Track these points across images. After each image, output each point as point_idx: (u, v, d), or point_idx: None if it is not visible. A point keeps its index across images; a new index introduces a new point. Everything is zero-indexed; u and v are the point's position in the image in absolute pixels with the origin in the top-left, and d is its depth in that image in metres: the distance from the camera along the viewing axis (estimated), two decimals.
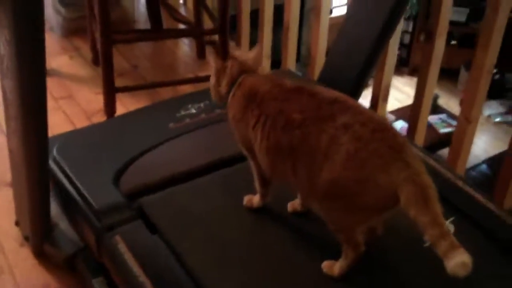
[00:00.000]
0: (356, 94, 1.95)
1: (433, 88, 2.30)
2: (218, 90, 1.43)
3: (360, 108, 1.24)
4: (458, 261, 1.04)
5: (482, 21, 1.98)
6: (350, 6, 2.08)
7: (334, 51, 2.12)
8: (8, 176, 2.01)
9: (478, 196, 1.58)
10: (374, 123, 1.19)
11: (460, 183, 1.63)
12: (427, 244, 1.23)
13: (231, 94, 1.39)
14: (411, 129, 2.37)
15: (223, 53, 2.32)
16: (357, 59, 1.96)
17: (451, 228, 1.44)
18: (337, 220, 1.26)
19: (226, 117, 1.44)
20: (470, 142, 2.17)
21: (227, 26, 2.29)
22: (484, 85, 2.04)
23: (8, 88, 1.46)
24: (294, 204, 1.48)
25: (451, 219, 1.46)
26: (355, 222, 1.25)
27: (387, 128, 1.20)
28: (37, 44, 1.32)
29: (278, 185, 1.44)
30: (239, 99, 1.37)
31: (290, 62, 2.73)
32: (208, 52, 2.78)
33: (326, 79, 2.03)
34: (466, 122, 2.09)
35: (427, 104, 2.30)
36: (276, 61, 2.95)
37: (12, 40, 1.29)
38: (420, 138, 2.39)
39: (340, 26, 2.10)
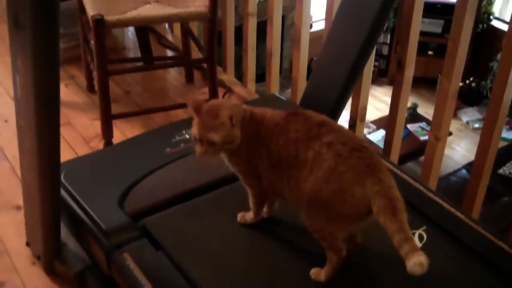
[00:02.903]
0: (335, 116, 2.10)
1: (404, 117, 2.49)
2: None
3: (343, 130, 1.39)
4: (416, 261, 1.18)
5: (445, 54, 2.14)
6: (329, 31, 2.24)
7: (313, 76, 2.27)
8: (14, 199, 2.14)
9: (448, 207, 1.73)
10: (354, 143, 1.34)
11: (431, 195, 1.78)
12: None
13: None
14: (388, 140, 2.53)
15: (212, 80, 2.50)
16: (335, 84, 2.10)
17: (424, 236, 1.59)
18: (320, 228, 1.40)
19: None
20: (440, 157, 2.32)
21: (215, 55, 2.43)
22: (450, 108, 2.20)
23: (24, 123, 1.59)
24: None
25: (423, 228, 1.61)
26: (336, 229, 1.39)
27: (365, 149, 1.34)
28: (53, 75, 1.49)
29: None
30: (246, 128, 1.43)
31: (274, 86, 2.88)
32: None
33: (307, 103, 2.17)
34: (435, 140, 2.25)
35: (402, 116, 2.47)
36: (260, 75, 3.09)
37: (30, 75, 1.43)
38: (396, 147, 2.55)
39: (320, 51, 2.26)
